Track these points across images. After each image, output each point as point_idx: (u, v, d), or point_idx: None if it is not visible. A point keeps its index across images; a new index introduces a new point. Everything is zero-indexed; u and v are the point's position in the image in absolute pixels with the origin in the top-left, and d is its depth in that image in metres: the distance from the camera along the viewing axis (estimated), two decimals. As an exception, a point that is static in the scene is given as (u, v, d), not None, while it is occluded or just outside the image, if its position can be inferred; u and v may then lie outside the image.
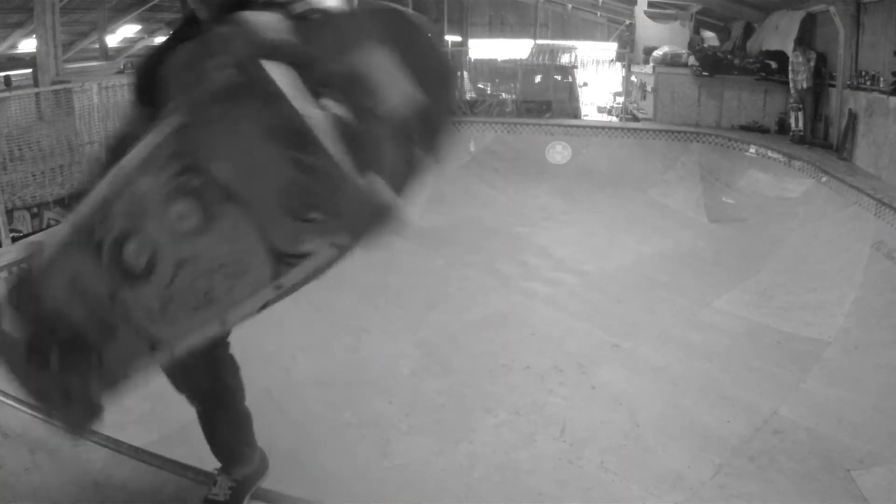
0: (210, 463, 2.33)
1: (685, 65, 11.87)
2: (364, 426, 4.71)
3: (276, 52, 1.37)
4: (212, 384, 2.26)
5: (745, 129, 11.15)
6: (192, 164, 1.44)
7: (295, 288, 1.67)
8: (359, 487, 4.07)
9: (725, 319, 6.39)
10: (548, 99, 12.74)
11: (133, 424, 4.25)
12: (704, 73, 11.56)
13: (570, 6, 24.13)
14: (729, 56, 11.87)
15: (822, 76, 9.94)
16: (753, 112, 11.26)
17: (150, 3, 17.87)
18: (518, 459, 4.37)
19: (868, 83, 8.46)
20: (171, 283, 1.54)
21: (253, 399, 5.18)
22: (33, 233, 5.80)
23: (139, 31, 20.15)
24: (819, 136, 9.84)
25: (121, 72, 15.52)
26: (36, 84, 11.12)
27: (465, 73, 14.05)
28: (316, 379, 5.33)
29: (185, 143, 1.43)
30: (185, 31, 1.71)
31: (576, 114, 12.84)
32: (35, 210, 6.10)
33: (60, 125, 6.31)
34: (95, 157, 2.22)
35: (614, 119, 13.30)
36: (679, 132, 10.91)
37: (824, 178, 8.35)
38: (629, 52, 13.44)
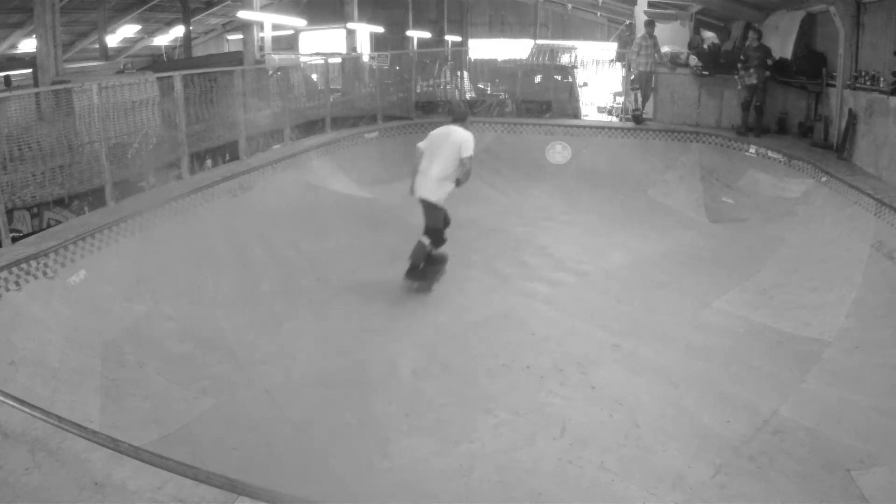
0: (209, 463, 2.33)
1: (685, 65, 11.87)
2: (364, 426, 4.71)
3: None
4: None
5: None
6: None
7: None
8: (359, 487, 4.07)
9: (725, 319, 6.39)
10: (548, 99, 12.74)
11: (133, 424, 4.26)
12: (704, 73, 11.56)
13: (570, 6, 24.17)
14: (735, 50, 11.91)
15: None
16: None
17: (150, 3, 17.88)
18: (518, 459, 4.37)
19: (868, 83, 8.46)
20: None
21: (253, 399, 5.22)
22: (33, 233, 5.79)
23: (139, 31, 20.16)
24: (819, 136, 9.85)
25: (121, 72, 15.55)
26: (36, 84, 11.14)
27: (465, 73, 14.04)
28: (316, 379, 5.33)
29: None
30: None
31: (576, 114, 12.84)
32: (35, 210, 6.10)
33: (60, 125, 6.31)
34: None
35: (614, 119, 13.29)
36: (679, 132, 10.91)
37: (824, 178, 8.35)
38: (629, 52, 13.42)
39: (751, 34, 10.45)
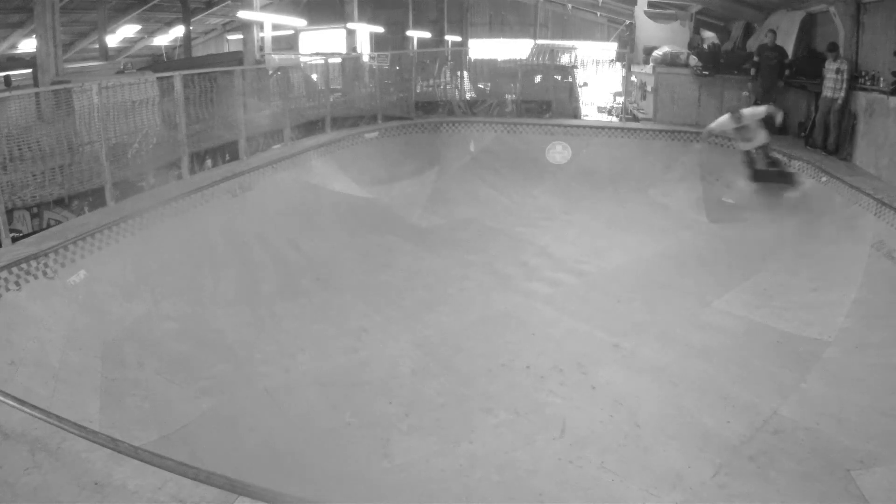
0: (209, 463, 2.33)
1: (685, 65, 11.86)
2: (364, 426, 4.72)
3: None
4: None
5: (744, 129, 11.11)
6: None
7: None
8: (359, 487, 4.07)
9: (725, 319, 6.39)
10: (548, 99, 12.73)
11: (133, 424, 4.26)
12: (704, 73, 11.55)
13: (570, 6, 24.18)
14: (738, 49, 11.86)
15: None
16: (753, 112, 11.24)
17: (150, 3, 17.87)
18: (518, 459, 4.37)
19: (868, 83, 8.46)
20: None
21: (253, 399, 5.22)
22: (33, 233, 5.79)
23: (139, 31, 20.14)
24: (818, 136, 9.83)
25: (121, 72, 15.54)
26: (36, 84, 11.12)
27: (465, 73, 14.03)
28: (316, 379, 5.33)
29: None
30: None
31: (576, 114, 12.83)
32: (35, 210, 6.10)
33: (60, 125, 6.30)
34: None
35: (614, 119, 13.29)
36: (679, 132, 10.91)
37: (824, 179, 8.35)
38: (629, 52, 13.43)
39: (768, 34, 10.36)
